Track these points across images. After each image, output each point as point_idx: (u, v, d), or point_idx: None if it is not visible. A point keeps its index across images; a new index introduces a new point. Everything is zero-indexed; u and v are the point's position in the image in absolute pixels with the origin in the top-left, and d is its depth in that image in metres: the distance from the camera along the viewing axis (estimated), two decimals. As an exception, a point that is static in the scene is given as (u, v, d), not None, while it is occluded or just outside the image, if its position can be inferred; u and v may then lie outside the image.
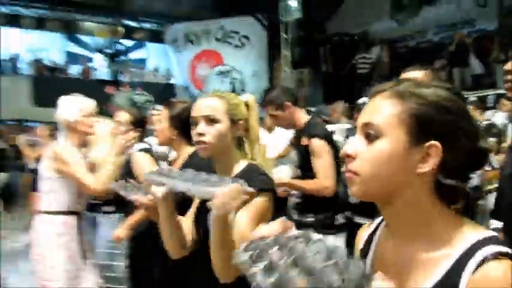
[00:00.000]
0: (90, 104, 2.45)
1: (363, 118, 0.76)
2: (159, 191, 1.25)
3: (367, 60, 8.84)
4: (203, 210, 1.33)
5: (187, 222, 1.46)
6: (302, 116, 2.57)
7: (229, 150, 1.41)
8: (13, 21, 11.93)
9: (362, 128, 0.75)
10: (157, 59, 14.18)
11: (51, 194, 2.43)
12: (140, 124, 2.94)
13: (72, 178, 2.40)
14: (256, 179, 1.33)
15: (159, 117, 2.19)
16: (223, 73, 11.21)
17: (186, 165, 2.00)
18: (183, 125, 2.06)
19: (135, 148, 2.76)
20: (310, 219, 2.56)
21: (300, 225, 2.54)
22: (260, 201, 1.29)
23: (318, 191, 2.44)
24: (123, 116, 2.90)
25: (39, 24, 12.31)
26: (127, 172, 2.60)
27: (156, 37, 13.27)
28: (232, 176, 1.35)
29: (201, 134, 1.34)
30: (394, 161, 0.71)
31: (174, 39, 11.88)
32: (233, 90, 10.82)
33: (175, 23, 11.89)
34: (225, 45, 11.15)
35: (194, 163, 1.87)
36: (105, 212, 3.26)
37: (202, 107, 1.39)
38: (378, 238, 0.84)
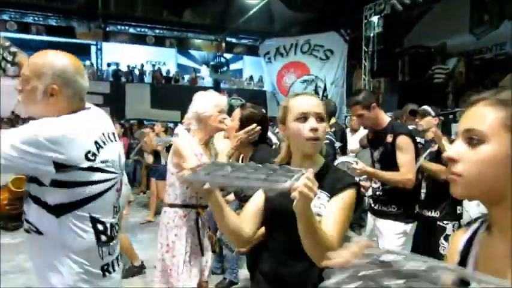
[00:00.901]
0: (223, 100, 2.37)
1: (465, 124, 0.78)
2: (206, 187, 1.15)
3: (443, 71, 9.10)
4: (270, 198, 1.40)
5: (248, 211, 1.44)
6: (385, 117, 2.70)
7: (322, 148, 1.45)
8: (139, 39, 14.18)
9: (464, 134, 0.77)
10: (252, 69, 15.80)
11: (171, 187, 2.38)
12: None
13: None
14: (343, 175, 1.40)
15: (233, 115, 2.26)
16: (307, 81, 12.32)
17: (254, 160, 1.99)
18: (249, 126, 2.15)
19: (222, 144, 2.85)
20: (393, 209, 2.64)
21: (383, 215, 2.72)
22: (349, 193, 1.33)
23: (400, 183, 2.51)
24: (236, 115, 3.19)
25: (159, 41, 14.39)
26: None
27: (252, 51, 14.83)
28: (317, 170, 1.34)
29: (315, 130, 1.34)
30: (499, 165, 0.73)
31: (266, 52, 13.27)
32: (316, 97, 11.89)
33: (268, 38, 13.30)
34: (310, 57, 12.25)
35: (262, 157, 1.98)
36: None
37: (313, 104, 1.38)
38: (479, 241, 0.83)
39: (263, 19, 12.86)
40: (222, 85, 14.44)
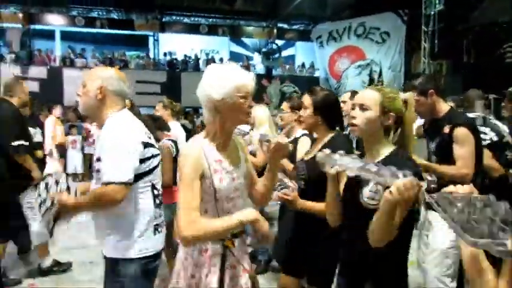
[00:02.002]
0: (248, 78, 1.90)
1: None
2: (333, 170, 1.40)
3: None
4: (351, 187, 1.56)
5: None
6: (443, 105, 2.50)
7: (377, 135, 1.55)
8: (193, 29, 14.64)
9: None
10: (304, 55, 15.59)
11: None
12: (299, 108, 2.76)
13: None
14: (404, 163, 1.41)
15: (304, 103, 2.18)
16: (361, 66, 11.93)
17: (325, 148, 2.05)
18: (324, 110, 2.11)
19: (300, 132, 2.87)
20: None
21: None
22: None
23: (456, 177, 2.31)
24: (285, 105, 3.02)
25: (212, 30, 14.73)
26: (291, 154, 2.56)
27: (304, 36, 14.58)
28: (381, 159, 1.51)
29: (352, 117, 1.55)
30: None
31: (318, 37, 13.04)
32: (371, 82, 11.46)
33: (321, 23, 13.03)
34: (366, 41, 11.79)
35: (333, 146, 1.89)
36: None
37: (360, 96, 1.59)
38: None
39: (315, 3, 12.68)
40: (274, 72, 14.47)
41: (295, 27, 14.90)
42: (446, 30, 9.46)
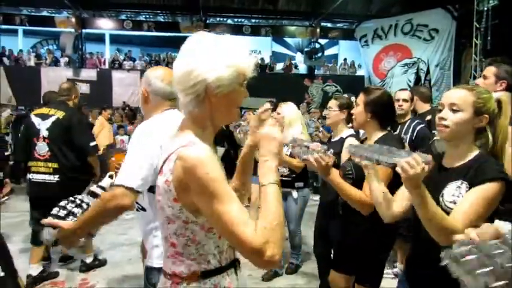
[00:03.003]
0: (248, 56, 1.55)
1: None
2: (357, 160, 1.49)
3: None
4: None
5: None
6: None
7: (466, 138, 1.45)
8: (237, 29, 14.47)
9: None
10: (348, 54, 15.26)
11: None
12: (347, 107, 2.85)
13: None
14: (491, 167, 1.35)
15: (357, 100, 2.18)
16: (408, 65, 11.51)
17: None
18: (376, 109, 2.09)
19: (346, 133, 2.82)
20: None
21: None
22: (489, 188, 1.31)
23: None
24: (332, 102, 2.94)
25: (255, 30, 14.70)
26: (337, 152, 2.54)
27: (348, 35, 14.26)
28: (464, 162, 1.44)
29: (442, 118, 1.44)
30: None
31: (363, 35, 12.74)
32: (418, 80, 11.04)
33: (365, 21, 12.72)
34: (413, 38, 11.37)
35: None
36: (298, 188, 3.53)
37: (450, 95, 1.47)
38: None
39: (360, 1, 12.32)
40: (316, 71, 14.33)
41: (338, 25, 14.61)
42: (501, 26, 8.93)
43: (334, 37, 14.93)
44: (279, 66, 15.10)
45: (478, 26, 9.27)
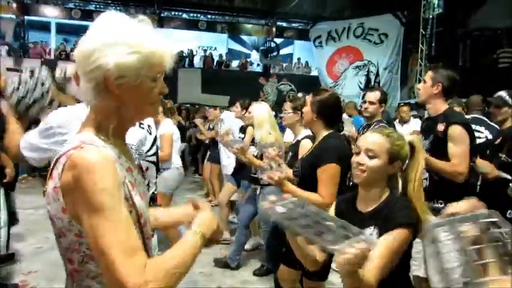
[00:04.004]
0: (165, 44, 1.53)
1: None
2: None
3: (509, 55, 8.52)
4: None
5: None
6: (442, 105, 2.48)
7: (379, 182, 1.48)
8: (191, 25, 14.54)
9: None
10: (301, 54, 15.50)
11: None
12: (301, 108, 2.76)
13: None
14: (400, 213, 1.38)
15: (307, 100, 2.27)
16: (359, 67, 11.94)
17: (321, 146, 2.14)
18: (322, 109, 2.17)
19: (302, 134, 2.86)
20: (439, 205, 2.37)
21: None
22: (401, 234, 1.33)
23: (450, 174, 2.32)
24: (287, 105, 2.99)
25: (211, 27, 14.62)
26: (294, 153, 2.70)
27: (303, 35, 14.53)
28: (376, 205, 1.46)
29: (359, 163, 1.46)
30: None
31: (317, 36, 12.99)
32: (368, 82, 11.48)
33: (320, 22, 13.01)
34: (364, 41, 11.78)
35: (328, 143, 2.12)
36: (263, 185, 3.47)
37: (368, 140, 1.50)
38: None
39: (315, 2, 12.54)
40: (271, 70, 14.42)
41: (294, 25, 14.86)
42: (444, 34, 9.50)
43: (289, 37, 15.20)
44: (235, 64, 15.06)
45: (423, 32, 9.78)
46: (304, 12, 13.13)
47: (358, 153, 1.48)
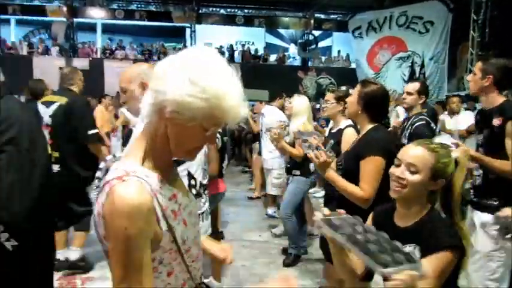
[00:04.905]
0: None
1: None
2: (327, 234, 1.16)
3: None
4: None
5: None
6: (497, 97, 2.34)
7: (420, 198, 1.39)
8: (230, 20, 14.60)
9: None
10: (341, 46, 15.14)
11: None
12: (344, 99, 2.82)
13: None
14: (444, 233, 1.30)
15: (354, 91, 2.21)
16: (402, 58, 11.43)
17: (365, 138, 2.08)
18: (369, 102, 2.10)
19: (344, 123, 2.88)
20: (494, 203, 2.30)
21: (482, 208, 2.39)
22: (447, 257, 1.25)
23: (504, 172, 2.19)
24: (329, 95, 3.07)
25: (248, 21, 14.64)
26: (336, 142, 2.73)
27: (342, 26, 14.09)
28: (416, 221, 1.37)
29: (399, 178, 1.37)
30: None
31: (357, 27, 12.56)
32: (412, 74, 10.99)
33: (360, 13, 12.60)
34: (408, 31, 11.20)
35: (373, 135, 2.05)
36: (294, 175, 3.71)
37: (410, 153, 1.39)
38: None
39: (354, -9, 12.24)
40: (310, 63, 14.22)
41: (332, 17, 14.54)
42: (499, 18, 8.85)
43: (327, 29, 14.87)
44: (273, 58, 15.01)
45: (475, 17, 9.18)
46: (342, 2, 12.84)
47: (398, 166, 1.39)
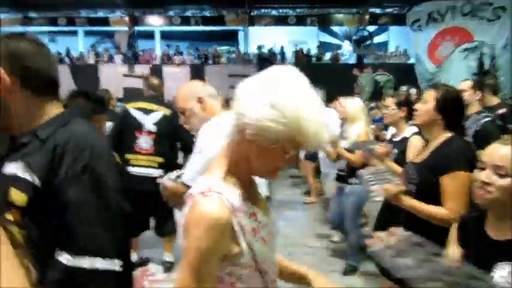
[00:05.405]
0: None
1: None
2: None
3: None
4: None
5: None
6: None
7: (509, 206, 1.24)
8: (282, 21, 14.53)
9: None
10: (398, 41, 14.54)
11: None
12: (406, 104, 2.79)
13: None
14: None
15: (425, 96, 2.05)
16: (468, 50, 10.66)
17: (440, 151, 1.91)
18: (447, 108, 1.96)
19: (409, 131, 2.71)
20: None
21: None
22: None
23: None
24: (389, 100, 2.96)
25: (300, 21, 14.48)
26: (401, 152, 2.58)
27: (399, 20, 13.47)
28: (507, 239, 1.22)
29: (485, 183, 1.24)
30: None
31: (415, 19, 11.94)
32: (481, 66, 10.21)
33: (419, 4, 11.98)
34: (474, 19, 10.45)
35: (454, 146, 1.88)
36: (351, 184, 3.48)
37: (496, 154, 1.25)
38: None
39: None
40: (365, 60, 13.76)
41: (388, 10, 13.97)
42: None
43: (383, 23, 14.29)
44: (327, 56, 14.78)
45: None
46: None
47: (482, 169, 1.26)
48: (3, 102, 0.99)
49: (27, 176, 0.97)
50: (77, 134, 1.03)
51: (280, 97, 0.85)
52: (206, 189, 0.91)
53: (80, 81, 13.01)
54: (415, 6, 12.12)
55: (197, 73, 13.57)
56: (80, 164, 0.99)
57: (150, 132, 3.35)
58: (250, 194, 1.00)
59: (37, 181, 0.97)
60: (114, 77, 13.45)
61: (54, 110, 1.08)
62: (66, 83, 14.57)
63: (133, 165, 3.34)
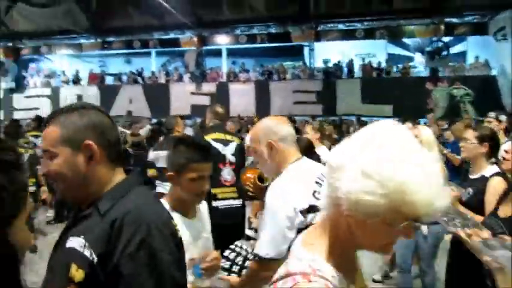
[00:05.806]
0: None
1: None
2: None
3: None
4: None
5: None
6: None
7: None
8: (349, 34, 14.14)
9: None
10: (477, 51, 13.44)
11: None
12: (490, 140, 2.46)
13: None
14: None
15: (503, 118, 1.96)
16: None
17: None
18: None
19: (490, 170, 2.44)
20: None
21: None
22: None
23: None
24: (470, 133, 2.63)
25: (368, 34, 13.94)
26: (478, 191, 2.34)
27: (478, 29, 12.61)
28: None
29: None
30: None
31: (500, 28, 11.02)
32: None
33: (503, 11, 11.01)
34: None
35: None
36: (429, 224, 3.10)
37: None
38: None
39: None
40: (440, 73, 12.90)
41: (466, 19, 12.96)
42: None
43: (461, 33, 13.29)
44: (396, 69, 14.07)
45: None
46: (479, 2, 11.35)
47: None
48: (90, 172, 1.06)
49: (86, 252, 0.99)
50: (135, 208, 1.04)
51: (376, 162, 0.71)
52: (309, 270, 0.78)
53: (151, 99, 13.94)
54: (498, 14, 11.14)
55: (262, 89, 13.75)
56: (136, 239, 0.99)
57: (231, 163, 3.38)
58: (353, 275, 0.87)
59: (95, 257, 0.98)
60: (183, 96, 14.14)
61: (118, 176, 1.12)
62: (139, 102, 15.63)
63: (221, 199, 3.30)
